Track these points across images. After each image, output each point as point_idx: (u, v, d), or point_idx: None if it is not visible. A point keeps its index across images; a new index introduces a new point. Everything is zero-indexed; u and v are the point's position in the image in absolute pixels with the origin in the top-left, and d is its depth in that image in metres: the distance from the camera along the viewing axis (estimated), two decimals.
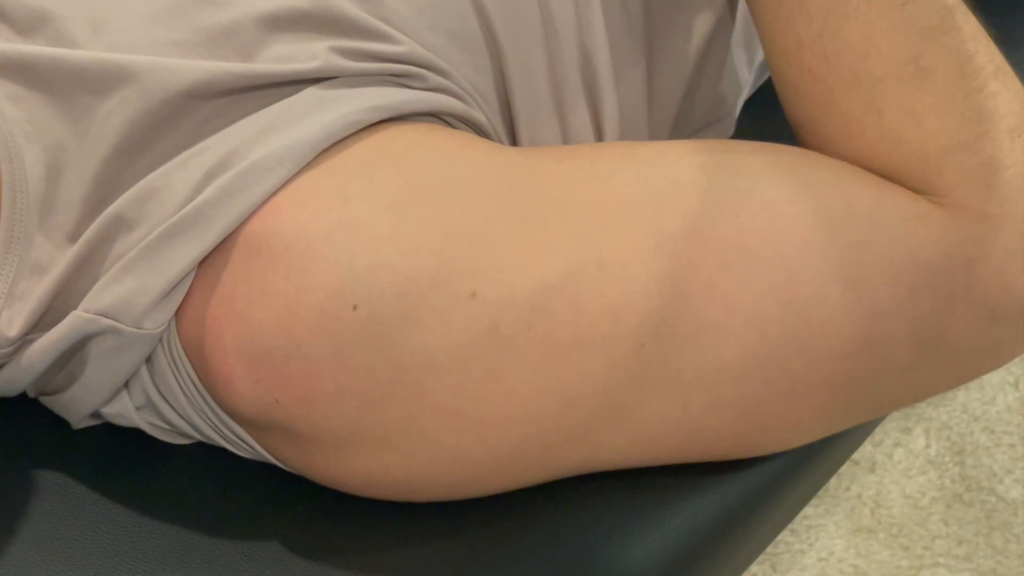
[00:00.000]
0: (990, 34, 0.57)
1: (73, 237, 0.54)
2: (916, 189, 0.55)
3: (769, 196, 0.54)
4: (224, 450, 0.58)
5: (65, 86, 0.55)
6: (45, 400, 0.59)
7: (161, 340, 0.53)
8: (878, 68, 0.55)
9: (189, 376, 0.53)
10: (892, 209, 0.55)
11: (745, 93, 0.79)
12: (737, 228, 0.53)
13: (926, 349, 0.55)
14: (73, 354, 0.55)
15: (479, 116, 0.58)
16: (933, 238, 0.54)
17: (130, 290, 0.52)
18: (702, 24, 0.69)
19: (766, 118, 0.80)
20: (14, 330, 0.53)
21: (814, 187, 0.55)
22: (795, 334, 0.53)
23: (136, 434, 0.59)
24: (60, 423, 0.59)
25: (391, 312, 0.49)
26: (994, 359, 0.58)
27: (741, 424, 0.55)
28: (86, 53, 0.55)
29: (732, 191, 0.54)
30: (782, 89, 0.60)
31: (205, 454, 0.59)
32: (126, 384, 0.56)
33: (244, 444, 0.56)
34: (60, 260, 0.54)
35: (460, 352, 0.50)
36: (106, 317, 0.52)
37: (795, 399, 0.54)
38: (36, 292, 0.54)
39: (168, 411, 0.56)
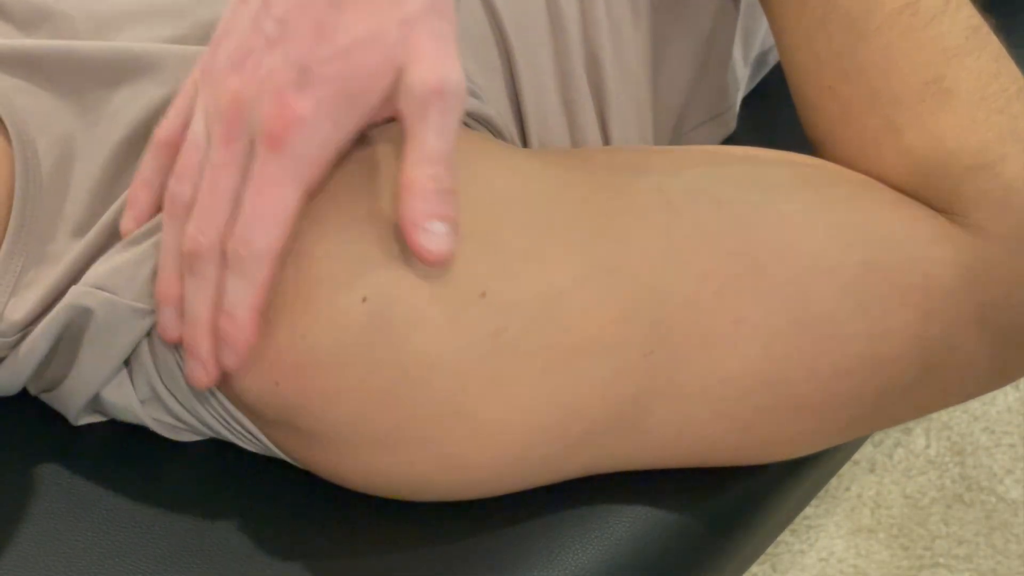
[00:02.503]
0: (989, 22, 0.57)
1: (83, 228, 0.55)
2: (935, 208, 0.55)
3: (784, 210, 0.54)
4: (226, 451, 0.58)
5: (73, 78, 0.56)
6: (45, 397, 0.59)
7: None
8: (899, 87, 0.55)
9: None
10: (908, 229, 0.55)
11: (743, 88, 0.80)
12: (750, 241, 0.53)
13: (932, 369, 0.55)
14: (72, 336, 0.55)
15: (491, 112, 0.58)
16: (947, 260, 0.54)
17: (129, 261, 0.52)
18: (706, 20, 0.69)
19: (765, 116, 0.80)
20: (19, 314, 0.54)
21: (831, 203, 0.55)
22: (802, 351, 0.53)
23: (137, 434, 0.59)
24: (61, 422, 0.59)
25: (399, 308, 0.49)
26: (1001, 379, 0.58)
27: (743, 436, 0.55)
28: (96, 44, 0.56)
29: (747, 203, 0.54)
30: (802, 106, 0.60)
31: (207, 454, 0.59)
32: (131, 380, 0.56)
33: (250, 436, 0.55)
34: (71, 250, 0.54)
35: (465, 354, 0.50)
36: (103, 290, 0.52)
37: (798, 414, 0.54)
38: (45, 281, 0.54)
39: (174, 404, 0.56)
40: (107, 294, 0.52)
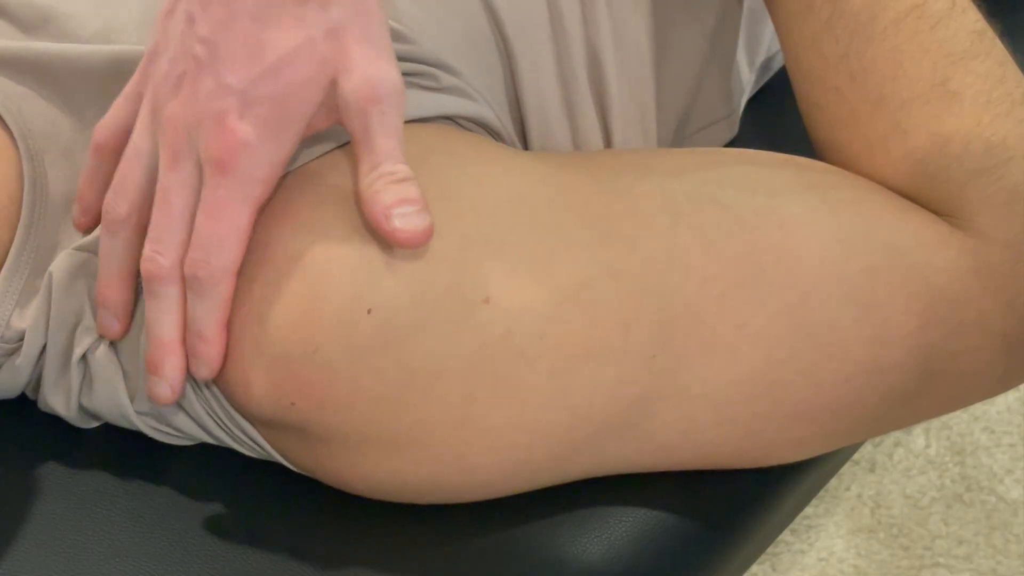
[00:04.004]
0: (996, 31, 0.57)
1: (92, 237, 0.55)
2: (938, 212, 0.56)
3: (787, 214, 0.54)
4: (227, 451, 0.58)
5: (80, 87, 0.56)
6: (43, 403, 0.59)
7: None
8: (905, 90, 0.55)
9: None
10: (911, 234, 0.55)
11: (747, 93, 0.80)
12: (752, 245, 0.53)
13: (933, 375, 0.55)
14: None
15: (490, 116, 0.58)
16: (949, 265, 0.54)
17: None
18: (709, 22, 0.69)
19: (768, 120, 0.80)
20: (25, 321, 0.54)
21: (834, 208, 0.55)
22: (803, 356, 0.53)
23: (139, 436, 0.58)
24: (62, 424, 0.59)
25: (405, 317, 0.49)
26: (1001, 385, 0.58)
27: (745, 440, 0.55)
28: (105, 48, 0.56)
29: (750, 207, 0.54)
30: (807, 109, 0.60)
31: (207, 455, 0.59)
32: (128, 394, 0.56)
33: (254, 444, 0.55)
34: None
35: (472, 359, 0.50)
36: (82, 250, 0.54)
37: (799, 420, 0.54)
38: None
39: (180, 418, 0.56)
40: (86, 253, 0.54)
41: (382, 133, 0.49)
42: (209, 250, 0.49)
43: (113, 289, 0.53)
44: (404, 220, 0.48)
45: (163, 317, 0.51)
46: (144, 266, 0.50)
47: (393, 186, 0.48)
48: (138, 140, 0.51)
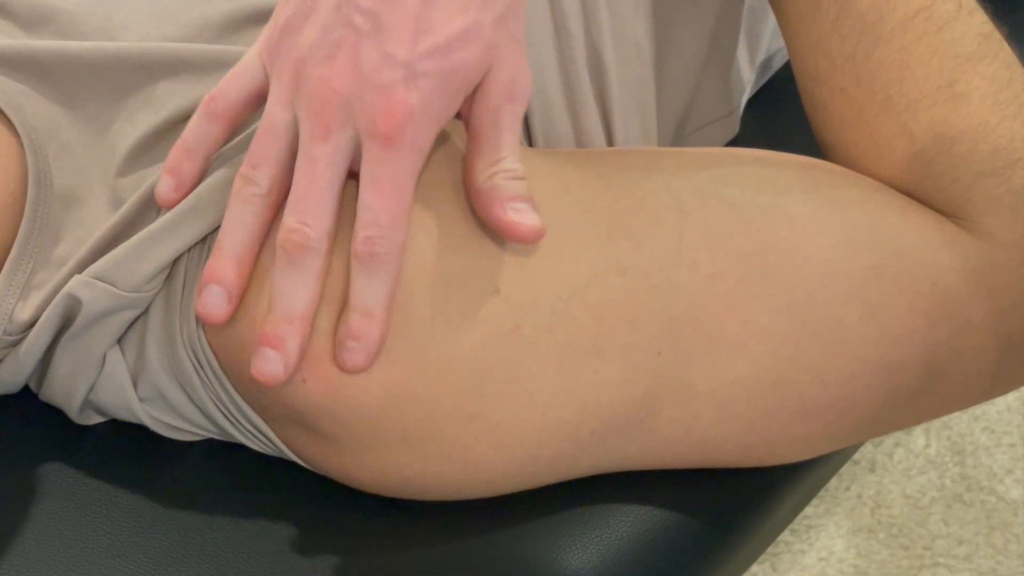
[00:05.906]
0: (1000, 30, 0.57)
1: (90, 232, 0.55)
2: (944, 212, 0.56)
3: (793, 213, 0.54)
4: (227, 450, 0.58)
5: (80, 86, 0.56)
6: (47, 396, 0.59)
7: (180, 325, 0.53)
8: (912, 91, 0.55)
9: (210, 364, 0.53)
10: (917, 233, 0.55)
11: (748, 91, 0.80)
12: (758, 243, 0.53)
13: (938, 375, 0.55)
14: (70, 326, 0.55)
15: None
16: (955, 265, 0.54)
17: (127, 254, 0.52)
18: (710, 20, 0.69)
19: (769, 119, 0.80)
20: (26, 315, 0.54)
21: (840, 206, 0.55)
22: (809, 353, 0.53)
23: (138, 434, 0.58)
24: (62, 423, 0.59)
25: (420, 303, 0.50)
26: (1005, 385, 0.58)
27: (748, 438, 0.55)
28: (105, 46, 0.56)
29: (756, 206, 0.54)
30: (812, 109, 0.60)
31: (208, 454, 0.59)
32: (132, 379, 0.56)
33: (261, 436, 0.55)
34: (77, 253, 0.54)
35: (482, 352, 0.50)
36: (102, 280, 0.52)
37: (803, 418, 0.55)
38: (52, 282, 0.54)
39: (182, 400, 0.55)
40: (105, 284, 0.52)
41: (510, 131, 0.49)
42: (385, 226, 0.48)
43: (233, 265, 0.50)
44: (521, 215, 0.49)
45: (299, 291, 0.49)
46: (290, 237, 0.48)
47: (513, 182, 0.49)
48: (276, 111, 0.49)
